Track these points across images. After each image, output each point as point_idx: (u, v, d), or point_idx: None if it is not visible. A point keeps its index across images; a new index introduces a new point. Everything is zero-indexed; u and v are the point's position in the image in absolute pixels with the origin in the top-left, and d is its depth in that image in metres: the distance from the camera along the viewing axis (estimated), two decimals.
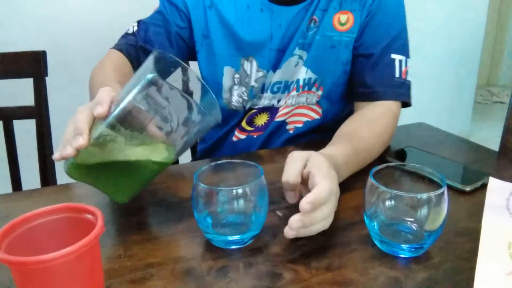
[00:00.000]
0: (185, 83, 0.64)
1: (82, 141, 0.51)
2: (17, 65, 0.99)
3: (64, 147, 0.52)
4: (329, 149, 0.68)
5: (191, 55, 0.92)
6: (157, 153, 0.56)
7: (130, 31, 0.88)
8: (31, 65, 0.99)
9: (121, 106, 0.52)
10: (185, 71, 0.64)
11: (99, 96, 0.53)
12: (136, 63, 0.85)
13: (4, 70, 0.98)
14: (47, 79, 1.01)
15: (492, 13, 3.53)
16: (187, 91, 0.65)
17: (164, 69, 0.58)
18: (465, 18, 2.60)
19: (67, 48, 1.66)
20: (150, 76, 0.51)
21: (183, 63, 0.62)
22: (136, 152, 0.55)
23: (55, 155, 0.54)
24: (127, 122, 0.53)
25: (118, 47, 0.87)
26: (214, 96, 0.62)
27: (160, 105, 0.52)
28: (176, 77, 0.63)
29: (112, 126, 0.52)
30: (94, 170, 0.56)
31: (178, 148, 0.57)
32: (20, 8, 1.61)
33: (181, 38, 0.88)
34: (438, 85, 2.61)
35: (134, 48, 0.86)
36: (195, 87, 0.64)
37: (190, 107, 0.55)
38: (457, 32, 2.60)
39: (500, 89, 3.92)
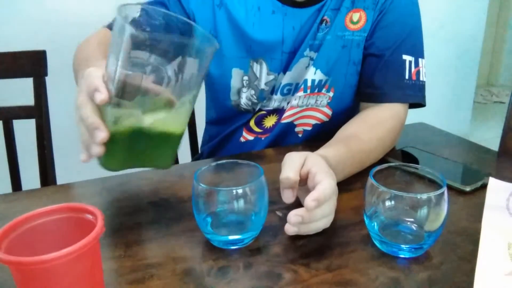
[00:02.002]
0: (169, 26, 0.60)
1: (102, 134, 0.50)
2: (17, 65, 0.99)
3: (89, 148, 0.52)
4: (322, 151, 0.68)
5: None
6: (176, 107, 0.55)
7: None
8: (31, 64, 0.99)
9: (116, 80, 0.50)
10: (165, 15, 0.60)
11: (90, 82, 0.51)
12: None
13: (4, 69, 0.98)
14: (47, 78, 1.01)
15: (492, 13, 3.53)
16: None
17: (146, 22, 0.56)
18: (465, 18, 2.60)
19: (67, 48, 1.66)
20: (127, 34, 0.48)
21: (158, 9, 0.59)
22: (156, 115, 0.54)
23: (82, 157, 0.54)
24: (131, 92, 0.51)
25: (110, 26, 0.85)
26: (204, 31, 0.58)
27: (151, 59, 0.50)
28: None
29: (119, 104, 0.51)
30: (128, 151, 0.55)
31: (193, 92, 0.55)
32: (20, 7, 1.61)
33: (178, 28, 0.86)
34: (438, 85, 2.61)
35: None
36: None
37: (183, 46, 0.52)
38: (457, 32, 2.60)
39: (500, 89, 3.92)
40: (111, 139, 0.52)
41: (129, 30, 0.48)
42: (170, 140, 0.57)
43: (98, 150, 0.52)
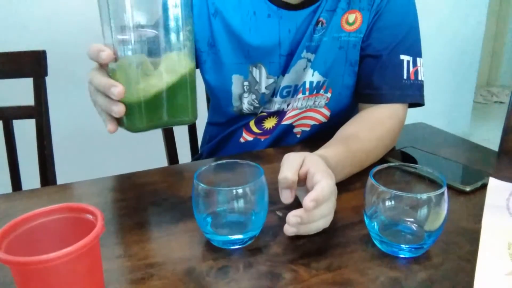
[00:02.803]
0: None
1: (118, 88, 0.52)
2: (17, 65, 0.99)
3: (110, 111, 0.53)
4: (321, 151, 0.68)
5: None
6: (178, 46, 0.56)
7: None
8: (31, 64, 0.99)
9: (115, 34, 0.53)
10: None
11: (92, 49, 0.53)
12: None
13: (4, 69, 0.98)
14: (47, 78, 1.01)
15: (492, 13, 3.53)
16: None
17: None
18: (465, 18, 2.60)
19: (67, 48, 1.66)
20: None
21: None
22: (161, 57, 0.55)
23: (109, 127, 0.55)
24: (131, 41, 0.53)
25: None
26: None
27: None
28: None
29: (124, 56, 0.53)
30: (147, 105, 0.55)
31: (187, 27, 0.56)
32: (20, 7, 1.61)
33: None
34: (438, 85, 2.62)
35: None
36: None
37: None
38: (457, 32, 2.60)
39: (500, 89, 3.92)
40: (128, 96, 0.53)
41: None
42: (183, 84, 0.57)
43: (119, 108, 0.53)
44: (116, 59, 0.54)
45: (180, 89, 0.57)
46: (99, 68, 0.56)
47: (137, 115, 0.55)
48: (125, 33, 0.53)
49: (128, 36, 0.53)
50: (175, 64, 0.56)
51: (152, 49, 0.55)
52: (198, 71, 0.89)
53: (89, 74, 0.57)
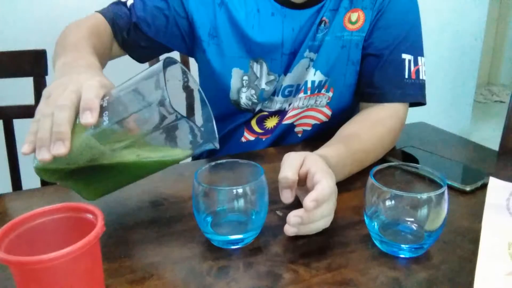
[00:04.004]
0: (185, 90, 0.61)
1: (63, 149, 0.46)
2: (17, 64, 0.99)
3: (40, 148, 0.47)
4: (322, 150, 0.68)
5: (183, 47, 0.89)
6: (146, 155, 0.53)
7: (124, 0, 0.84)
8: (32, 64, 0.98)
9: (119, 121, 0.48)
10: (187, 78, 0.60)
11: (88, 98, 0.48)
12: (120, 35, 0.82)
13: (4, 69, 0.98)
14: (48, 78, 1.01)
15: (493, 11, 3.53)
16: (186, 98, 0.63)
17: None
18: (465, 17, 2.60)
19: None
20: (159, 100, 0.47)
21: (188, 72, 0.59)
22: (121, 156, 0.51)
23: (24, 148, 0.48)
24: (119, 134, 0.49)
25: (104, 13, 0.83)
26: (211, 113, 0.60)
27: (161, 123, 0.49)
28: (175, 80, 0.59)
29: (101, 138, 0.49)
30: (74, 172, 0.52)
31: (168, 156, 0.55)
32: (20, 7, 1.61)
33: (177, 25, 0.85)
34: (438, 84, 2.61)
35: (124, 20, 0.82)
36: (193, 95, 0.62)
37: (192, 131, 0.54)
38: (457, 31, 2.60)
39: (500, 88, 3.92)
40: (66, 158, 0.48)
41: (163, 96, 0.47)
42: (117, 184, 0.58)
43: (47, 157, 0.47)
44: (96, 124, 0.48)
45: (111, 184, 0.57)
46: (74, 106, 0.49)
47: (55, 170, 0.52)
48: (119, 128, 0.49)
49: (118, 126, 0.49)
50: (129, 170, 0.53)
51: (126, 147, 0.51)
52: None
53: (61, 93, 0.49)
